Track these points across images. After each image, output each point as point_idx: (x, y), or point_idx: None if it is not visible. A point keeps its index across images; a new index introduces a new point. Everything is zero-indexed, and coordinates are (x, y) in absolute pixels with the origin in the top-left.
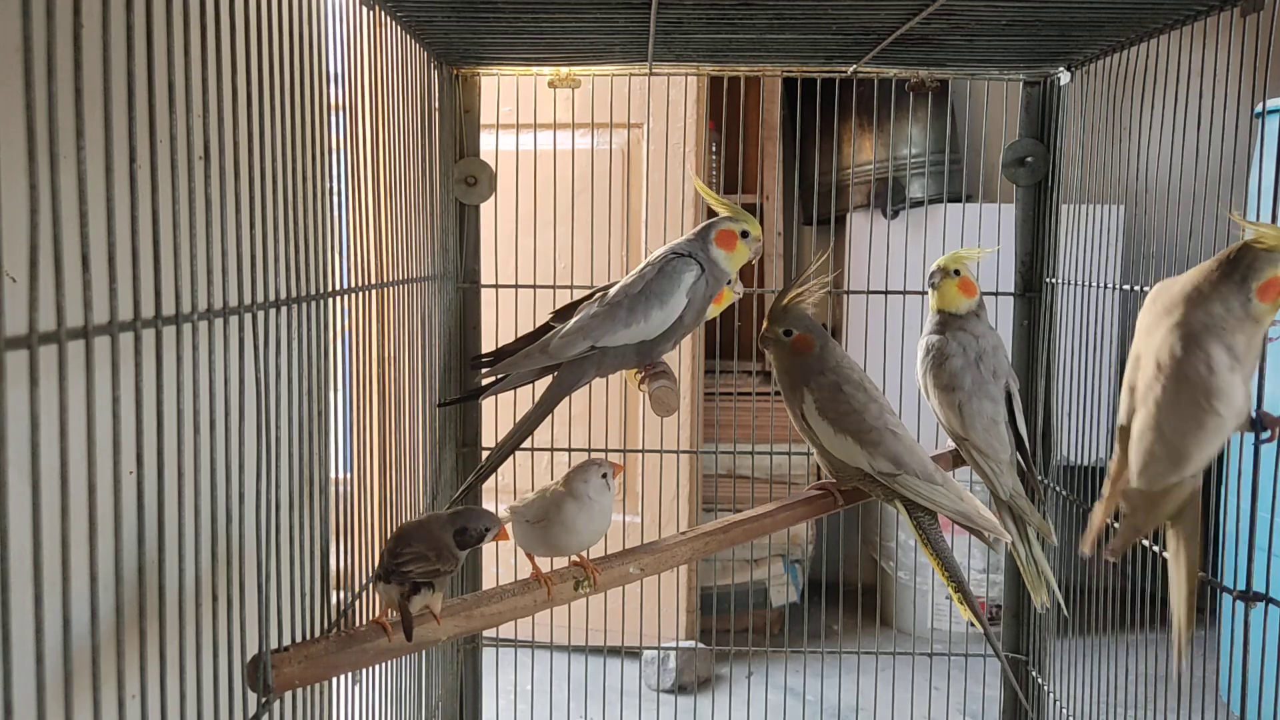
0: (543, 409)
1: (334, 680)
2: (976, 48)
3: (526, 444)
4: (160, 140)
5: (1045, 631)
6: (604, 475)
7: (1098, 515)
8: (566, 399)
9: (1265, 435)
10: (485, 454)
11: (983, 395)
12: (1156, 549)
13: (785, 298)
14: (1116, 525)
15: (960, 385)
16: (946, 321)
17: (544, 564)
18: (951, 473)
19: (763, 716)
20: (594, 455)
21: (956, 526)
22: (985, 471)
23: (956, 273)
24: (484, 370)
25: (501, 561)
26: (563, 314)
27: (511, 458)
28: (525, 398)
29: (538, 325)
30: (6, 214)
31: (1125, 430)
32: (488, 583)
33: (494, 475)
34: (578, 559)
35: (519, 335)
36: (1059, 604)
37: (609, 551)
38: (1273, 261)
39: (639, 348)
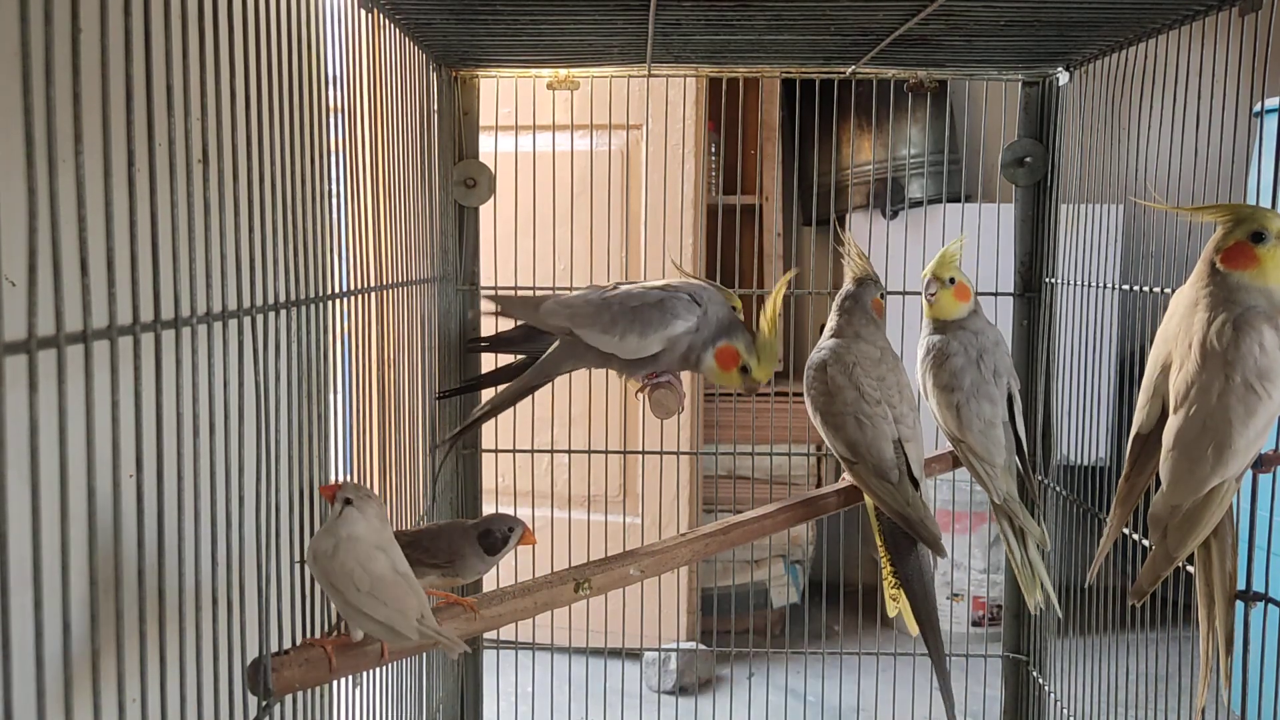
0: (520, 385)
1: (334, 683)
2: (975, 48)
3: (526, 445)
4: (159, 144)
5: (1045, 631)
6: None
7: (1106, 539)
8: (566, 401)
9: (1261, 469)
10: (485, 455)
11: (981, 396)
12: (1146, 543)
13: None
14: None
15: (959, 385)
16: (946, 323)
17: (543, 566)
18: (951, 474)
19: (764, 717)
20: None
21: (976, 521)
22: (980, 474)
23: (952, 280)
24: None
25: (502, 564)
26: None
27: (512, 459)
28: (524, 404)
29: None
30: (5, 218)
31: (1143, 439)
32: (488, 585)
33: (495, 477)
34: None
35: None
36: (1054, 605)
37: (609, 553)
38: (1228, 229)
39: (609, 358)
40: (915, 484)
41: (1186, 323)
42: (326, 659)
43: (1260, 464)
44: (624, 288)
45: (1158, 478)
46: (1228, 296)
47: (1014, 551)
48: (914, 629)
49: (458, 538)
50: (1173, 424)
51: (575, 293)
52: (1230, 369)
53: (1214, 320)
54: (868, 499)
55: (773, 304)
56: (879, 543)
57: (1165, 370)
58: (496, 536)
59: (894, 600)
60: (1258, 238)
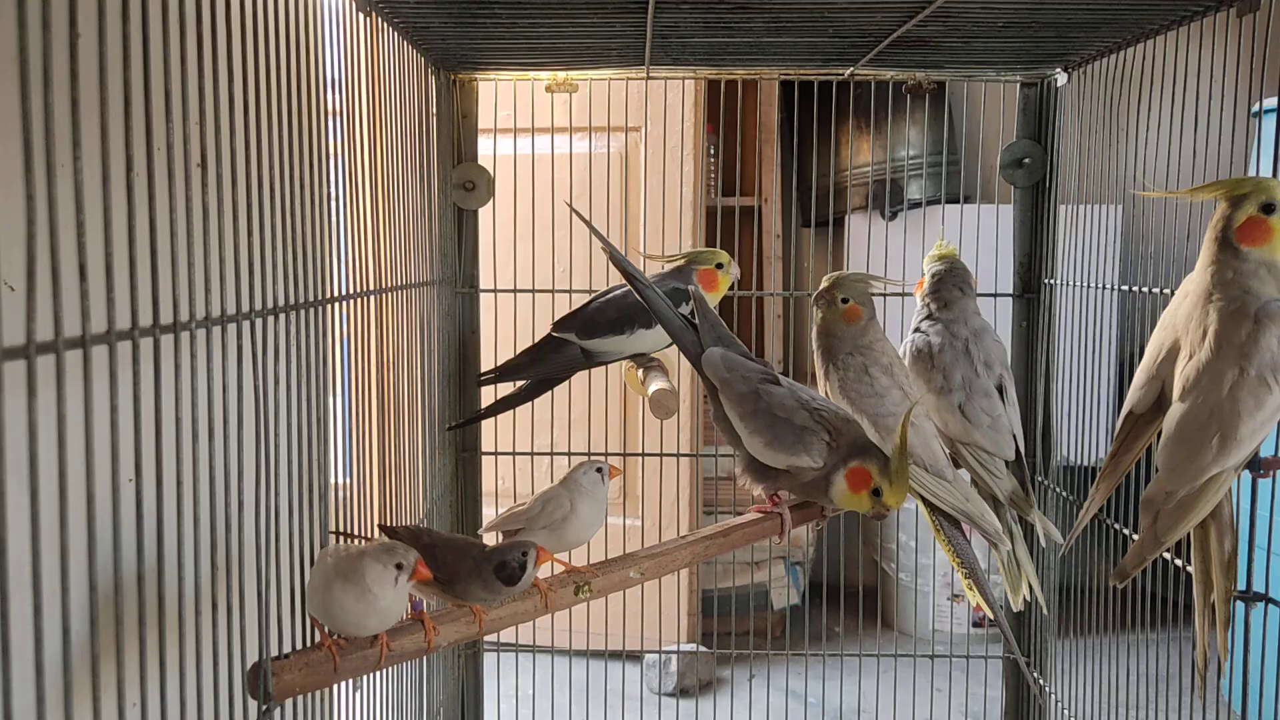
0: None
1: (335, 687)
2: (973, 50)
3: (526, 448)
4: (157, 148)
5: (1045, 632)
6: (598, 470)
7: (1087, 511)
8: (566, 403)
9: (1261, 473)
10: (484, 459)
11: (978, 392)
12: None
13: (854, 277)
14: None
15: (951, 385)
16: (933, 318)
17: (543, 569)
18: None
19: (764, 719)
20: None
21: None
22: (986, 473)
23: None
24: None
25: None
26: (563, 324)
27: (512, 462)
28: (524, 406)
29: (537, 338)
30: (4, 224)
31: (1134, 419)
32: None
33: (495, 479)
34: (565, 563)
35: (519, 349)
36: (1039, 603)
37: (609, 555)
38: (1234, 205)
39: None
40: None
41: (1201, 310)
42: (330, 661)
43: (1260, 468)
44: (770, 387)
45: (1146, 460)
46: (1245, 284)
47: (1000, 550)
48: (991, 612)
49: (466, 562)
50: (1176, 411)
51: (741, 359)
52: (1245, 361)
53: (1232, 309)
54: (919, 503)
55: (901, 433)
56: (941, 539)
57: (1170, 356)
58: (513, 567)
59: (970, 589)
60: (1269, 209)
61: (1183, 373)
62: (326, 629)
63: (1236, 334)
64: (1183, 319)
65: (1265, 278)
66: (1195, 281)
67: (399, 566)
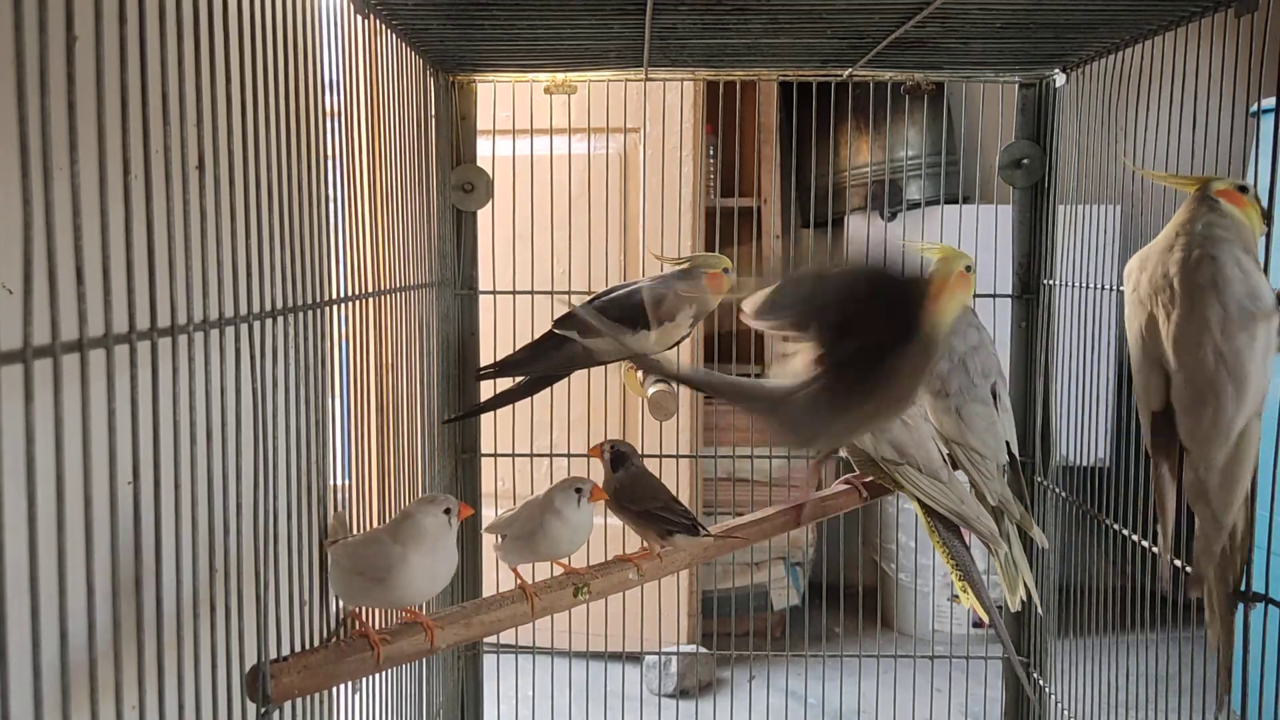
0: (533, 382)
1: (334, 689)
2: (972, 51)
3: (526, 449)
4: (154, 151)
5: (1045, 632)
6: (577, 490)
7: (1164, 546)
8: (565, 404)
9: None
10: (484, 460)
11: (973, 398)
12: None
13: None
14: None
15: (948, 389)
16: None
17: (543, 570)
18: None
19: None
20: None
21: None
22: (979, 475)
23: None
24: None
25: (502, 568)
26: (563, 322)
27: (512, 463)
28: (524, 405)
29: (537, 335)
30: (1, 227)
31: (1160, 418)
32: (488, 590)
33: (495, 480)
34: (565, 566)
35: (517, 346)
36: (1035, 602)
37: (609, 557)
38: (1207, 185)
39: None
40: None
41: (1160, 270)
42: (339, 660)
43: None
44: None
45: (1144, 461)
46: (1208, 232)
47: (997, 550)
48: (986, 616)
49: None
50: (1181, 376)
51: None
52: (1222, 295)
53: (1191, 254)
54: (914, 505)
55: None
56: (935, 541)
57: (1152, 333)
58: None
59: (964, 592)
60: (1243, 189)
61: (1172, 336)
62: (363, 616)
63: (1201, 274)
64: (1145, 290)
65: (1231, 228)
66: (1155, 245)
67: (447, 511)
